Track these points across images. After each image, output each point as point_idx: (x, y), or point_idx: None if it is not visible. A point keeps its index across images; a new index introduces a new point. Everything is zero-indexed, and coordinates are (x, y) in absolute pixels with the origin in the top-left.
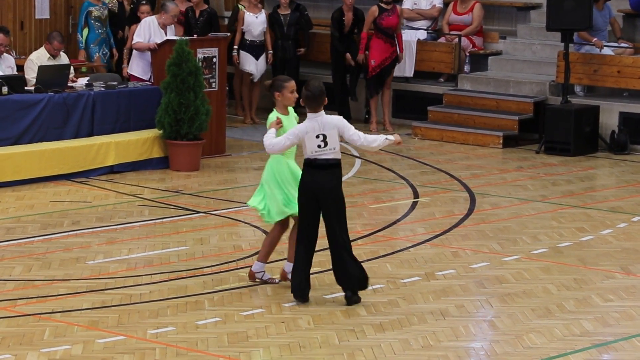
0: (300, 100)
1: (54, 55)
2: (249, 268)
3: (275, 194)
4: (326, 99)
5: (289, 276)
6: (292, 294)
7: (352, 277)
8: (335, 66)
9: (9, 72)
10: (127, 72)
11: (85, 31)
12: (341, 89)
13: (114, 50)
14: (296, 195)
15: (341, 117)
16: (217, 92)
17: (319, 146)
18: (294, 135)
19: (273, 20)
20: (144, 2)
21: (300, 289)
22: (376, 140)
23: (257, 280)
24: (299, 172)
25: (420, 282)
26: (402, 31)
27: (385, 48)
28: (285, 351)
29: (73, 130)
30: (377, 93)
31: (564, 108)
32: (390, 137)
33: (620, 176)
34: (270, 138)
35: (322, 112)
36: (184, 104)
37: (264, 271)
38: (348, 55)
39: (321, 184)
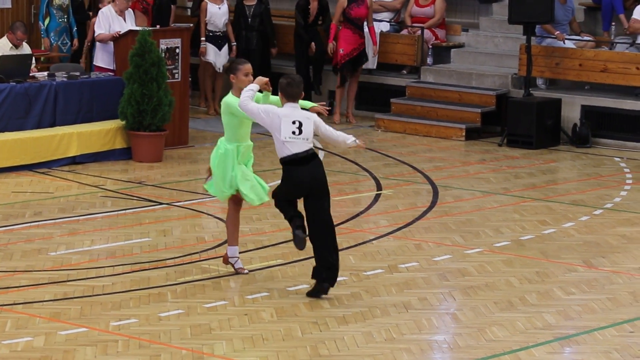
0: (281, 91)
1: (16, 45)
2: (225, 253)
3: (219, 175)
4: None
5: (232, 261)
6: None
7: (336, 270)
8: (299, 56)
9: None
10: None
11: (47, 20)
12: (304, 80)
13: (75, 41)
14: (240, 175)
15: (313, 113)
16: (180, 83)
17: (294, 132)
18: (269, 112)
19: (238, 11)
20: None
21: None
22: (349, 138)
23: (229, 264)
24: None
25: (383, 274)
26: None
27: (354, 39)
28: (248, 343)
29: (35, 120)
30: (343, 84)
31: (526, 101)
32: (359, 141)
33: (582, 169)
34: (248, 99)
35: (298, 106)
36: (147, 95)
37: (238, 257)
38: (312, 44)
39: (317, 176)
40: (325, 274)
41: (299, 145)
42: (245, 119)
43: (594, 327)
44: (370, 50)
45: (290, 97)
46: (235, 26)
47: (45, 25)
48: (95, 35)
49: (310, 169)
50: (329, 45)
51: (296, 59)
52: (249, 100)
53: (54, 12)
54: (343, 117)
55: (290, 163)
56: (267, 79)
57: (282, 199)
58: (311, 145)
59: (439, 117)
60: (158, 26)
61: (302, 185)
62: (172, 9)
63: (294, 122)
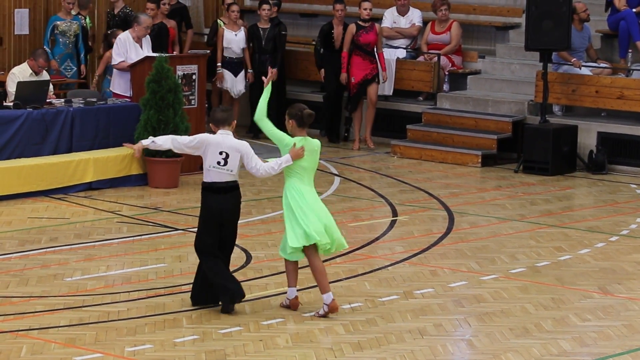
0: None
1: (36, 72)
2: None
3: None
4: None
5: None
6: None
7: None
8: (327, 82)
9: None
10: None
11: (53, 45)
12: (332, 107)
13: (83, 67)
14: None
15: (247, 144)
16: (196, 109)
17: (219, 163)
18: (198, 139)
19: (252, 33)
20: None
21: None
22: (275, 164)
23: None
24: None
25: (398, 300)
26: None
27: (364, 65)
28: None
29: (52, 146)
30: (355, 110)
31: (542, 127)
32: (288, 157)
33: (598, 196)
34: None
35: (231, 133)
36: (163, 121)
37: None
38: (343, 75)
39: (228, 210)
40: (232, 296)
41: (226, 177)
42: None
43: (610, 354)
44: (381, 76)
45: (220, 125)
46: (248, 49)
47: (51, 50)
48: (114, 63)
49: (227, 199)
50: (342, 76)
51: (326, 85)
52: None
53: (59, 37)
54: (362, 143)
55: (207, 189)
56: (302, 149)
57: (202, 226)
58: (235, 178)
59: (455, 144)
60: (175, 52)
61: (212, 211)
62: (189, 33)
63: (220, 153)
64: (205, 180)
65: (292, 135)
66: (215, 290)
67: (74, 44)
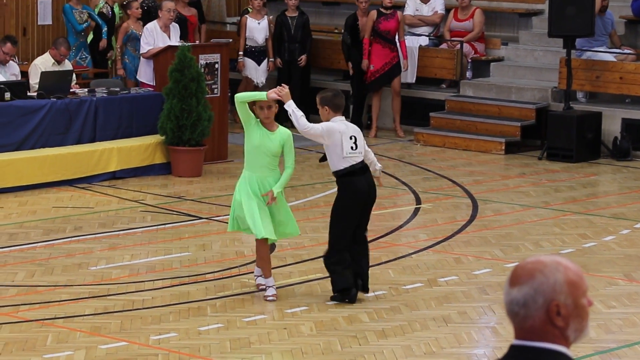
0: (319, 106)
1: (59, 62)
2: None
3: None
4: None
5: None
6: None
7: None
8: (353, 73)
9: (12, 80)
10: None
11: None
12: (358, 97)
13: (104, 41)
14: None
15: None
16: (219, 97)
17: (352, 148)
18: (326, 129)
19: (280, 23)
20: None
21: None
22: (378, 165)
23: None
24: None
25: (422, 288)
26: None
27: (384, 53)
28: (288, 357)
29: (75, 136)
30: (372, 97)
31: (566, 114)
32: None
33: (623, 182)
34: (304, 121)
35: (344, 118)
36: (186, 110)
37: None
38: (365, 61)
39: (372, 186)
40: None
41: (355, 159)
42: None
43: (635, 341)
44: (402, 64)
45: (338, 108)
46: (277, 38)
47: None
48: (143, 52)
49: (367, 178)
50: (363, 62)
51: (351, 76)
52: (306, 123)
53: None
54: (391, 132)
55: (348, 175)
56: (280, 89)
57: (343, 217)
58: (362, 157)
59: (479, 131)
60: (197, 41)
61: (360, 193)
62: (202, 28)
63: (351, 138)
64: (340, 168)
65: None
66: (334, 282)
67: (87, 34)
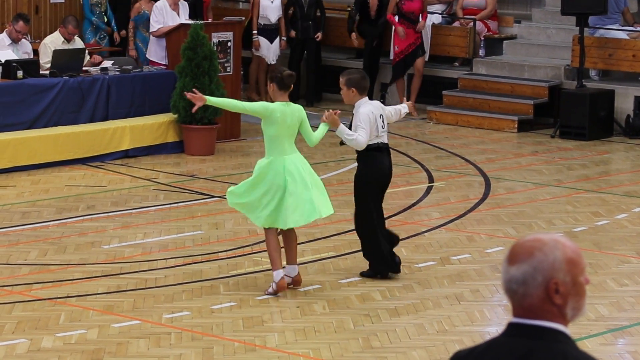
0: (345, 87)
1: (68, 40)
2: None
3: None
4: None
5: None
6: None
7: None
8: (366, 51)
9: (25, 58)
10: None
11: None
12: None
13: (115, 35)
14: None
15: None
16: (231, 76)
17: (382, 127)
18: (368, 121)
19: (293, 0)
20: None
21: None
22: (403, 107)
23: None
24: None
25: (435, 266)
26: None
27: (409, 34)
28: (300, 336)
29: (88, 114)
30: (399, 78)
31: (579, 92)
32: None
33: (636, 160)
34: (355, 136)
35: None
36: (199, 88)
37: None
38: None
39: (391, 169)
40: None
41: (383, 137)
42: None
43: None
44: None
45: (364, 90)
46: (291, 16)
47: (81, 24)
48: (153, 30)
49: (389, 158)
50: (398, 30)
51: (364, 53)
52: (357, 137)
53: (92, 8)
54: None
55: (375, 150)
56: (336, 112)
57: (367, 190)
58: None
59: (491, 109)
60: (210, 19)
61: (384, 169)
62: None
63: (380, 116)
64: (369, 142)
65: (272, 101)
66: (372, 260)
67: (105, 13)
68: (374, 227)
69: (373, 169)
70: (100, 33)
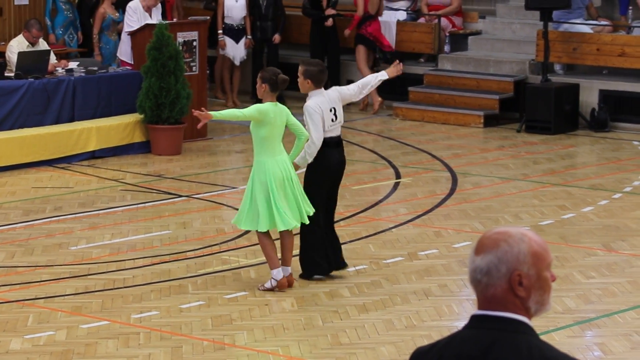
0: (302, 77)
1: (32, 43)
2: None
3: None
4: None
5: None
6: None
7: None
8: (314, 45)
9: None
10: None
11: (55, 15)
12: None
13: (79, 34)
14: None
15: (334, 86)
16: (197, 75)
17: (332, 120)
18: (319, 117)
19: (252, 1)
20: None
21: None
22: (378, 75)
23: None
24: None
25: (403, 262)
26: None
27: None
28: (269, 333)
29: (54, 116)
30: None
31: (544, 87)
32: (383, 74)
33: (601, 153)
34: (308, 145)
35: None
36: (165, 88)
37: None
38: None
39: (343, 162)
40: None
41: (333, 131)
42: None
43: (615, 311)
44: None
45: (320, 83)
46: (248, 16)
47: (52, 21)
48: (127, 30)
49: (340, 153)
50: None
51: (311, 49)
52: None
53: (62, 6)
54: (370, 107)
55: (323, 146)
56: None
57: (314, 191)
58: (340, 130)
59: (457, 105)
60: (175, 19)
61: (331, 166)
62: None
63: (330, 110)
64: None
65: (261, 101)
66: (305, 262)
67: (73, 12)
68: (314, 229)
69: (321, 167)
70: (71, 31)
